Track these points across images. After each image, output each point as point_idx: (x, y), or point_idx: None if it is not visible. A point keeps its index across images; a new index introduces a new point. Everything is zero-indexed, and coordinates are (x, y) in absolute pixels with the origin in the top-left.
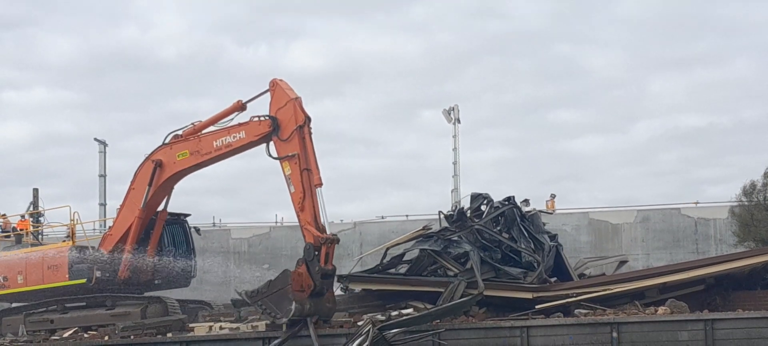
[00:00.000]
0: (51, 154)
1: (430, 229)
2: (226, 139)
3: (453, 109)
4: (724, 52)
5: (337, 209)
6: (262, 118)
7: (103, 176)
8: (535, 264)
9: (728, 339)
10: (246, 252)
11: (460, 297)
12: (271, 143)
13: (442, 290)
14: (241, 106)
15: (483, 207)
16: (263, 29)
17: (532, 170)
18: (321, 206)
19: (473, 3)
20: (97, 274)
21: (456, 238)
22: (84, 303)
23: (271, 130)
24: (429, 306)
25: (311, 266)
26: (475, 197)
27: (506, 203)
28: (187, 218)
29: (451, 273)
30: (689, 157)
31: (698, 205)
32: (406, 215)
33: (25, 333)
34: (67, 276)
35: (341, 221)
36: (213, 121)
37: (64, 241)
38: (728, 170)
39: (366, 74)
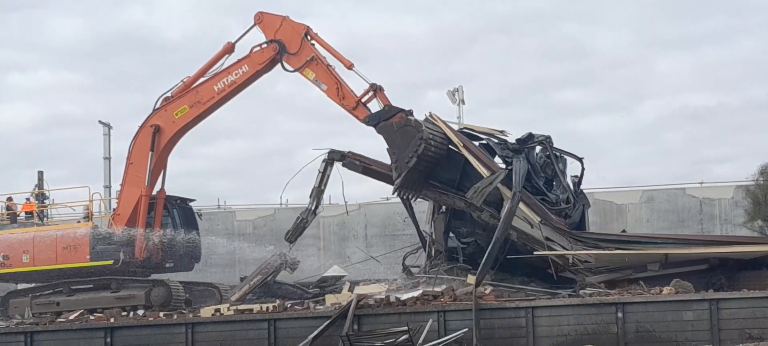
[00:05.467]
0: (56, 136)
1: (508, 134)
2: (228, 79)
3: (457, 91)
4: (732, 31)
5: (343, 190)
6: (263, 46)
7: (107, 158)
8: (562, 204)
9: (733, 319)
10: (251, 234)
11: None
12: (282, 65)
13: (487, 173)
14: (230, 48)
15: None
16: (269, 9)
17: None
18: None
19: None
20: (121, 255)
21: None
22: (91, 285)
23: (276, 53)
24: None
25: (388, 112)
26: (535, 136)
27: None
28: (192, 203)
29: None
30: (696, 137)
31: (703, 185)
32: None
33: (31, 315)
34: (87, 257)
35: (346, 202)
36: (205, 70)
37: (80, 222)
38: (735, 149)
39: (372, 55)
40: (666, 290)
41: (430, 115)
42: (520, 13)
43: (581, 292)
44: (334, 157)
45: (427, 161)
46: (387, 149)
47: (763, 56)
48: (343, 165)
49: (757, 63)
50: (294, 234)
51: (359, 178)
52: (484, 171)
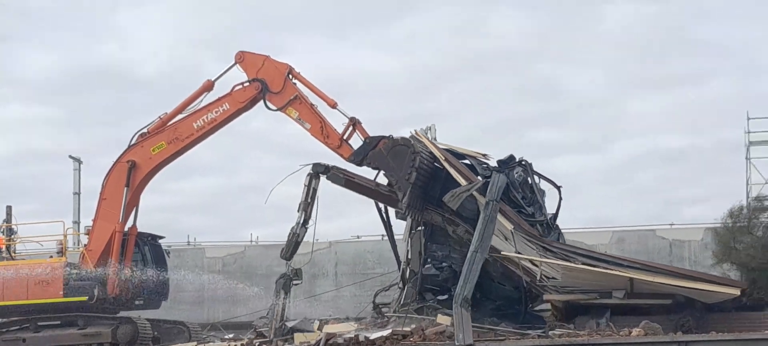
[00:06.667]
0: (26, 171)
1: (490, 158)
2: (208, 116)
3: (430, 129)
4: (705, 73)
5: (312, 228)
6: (245, 84)
7: (77, 193)
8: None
9: None
10: (220, 271)
11: (465, 199)
12: (265, 104)
13: (465, 182)
14: (210, 86)
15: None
16: (244, 46)
17: None
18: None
19: (454, 21)
20: (96, 292)
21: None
22: (58, 322)
23: (259, 92)
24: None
25: (370, 143)
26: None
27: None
28: (161, 240)
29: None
30: (667, 177)
31: (673, 226)
32: (382, 235)
33: None
34: (61, 293)
35: (316, 240)
36: (183, 106)
37: (52, 257)
38: (706, 191)
39: (346, 92)
40: (635, 331)
41: (415, 133)
42: (494, 52)
43: (551, 333)
44: (318, 169)
45: (424, 175)
46: (385, 175)
47: (735, 99)
48: (327, 178)
49: (729, 105)
50: (288, 250)
51: (329, 215)
52: (463, 181)
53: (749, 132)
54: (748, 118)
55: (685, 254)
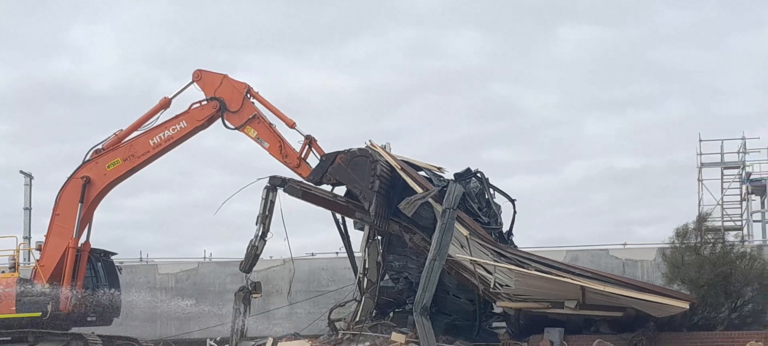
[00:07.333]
0: None
1: (445, 171)
2: (165, 134)
3: (385, 147)
4: (658, 95)
5: (268, 244)
6: (203, 103)
7: (28, 209)
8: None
9: None
10: (173, 288)
11: (421, 207)
12: (224, 122)
13: (419, 190)
14: (167, 103)
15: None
16: (199, 63)
17: None
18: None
19: (410, 41)
20: (49, 307)
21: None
22: (9, 338)
23: (217, 110)
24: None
25: (328, 160)
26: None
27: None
28: (114, 256)
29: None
30: (621, 198)
31: (626, 246)
32: (337, 252)
33: None
34: (13, 309)
35: (271, 257)
36: (139, 124)
37: (4, 272)
38: (658, 212)
39: (302, 110)
40: None
41: (371, 143)
42: (450, 72)
43: None
44: (275, 182)
45: (384, 183)
46: (348, 187)
47: (687, 121)
48: (284, 190)
49: (681, 127)
50: (247, 263)
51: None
52: (419, 190)
53: (701, 154)
54: (700, 140)
55: (638, 274)
